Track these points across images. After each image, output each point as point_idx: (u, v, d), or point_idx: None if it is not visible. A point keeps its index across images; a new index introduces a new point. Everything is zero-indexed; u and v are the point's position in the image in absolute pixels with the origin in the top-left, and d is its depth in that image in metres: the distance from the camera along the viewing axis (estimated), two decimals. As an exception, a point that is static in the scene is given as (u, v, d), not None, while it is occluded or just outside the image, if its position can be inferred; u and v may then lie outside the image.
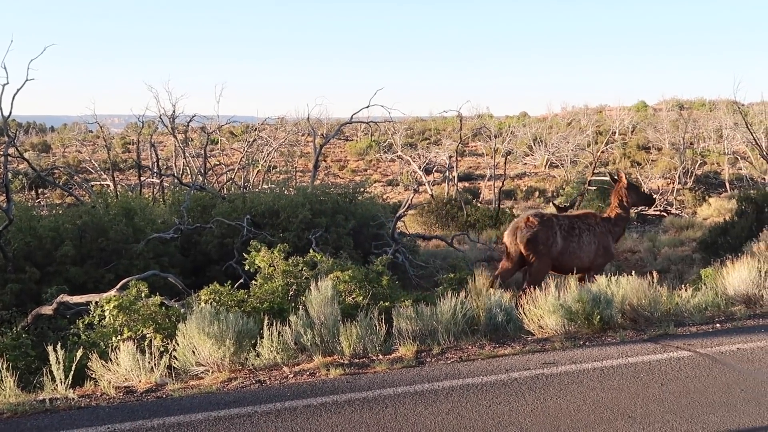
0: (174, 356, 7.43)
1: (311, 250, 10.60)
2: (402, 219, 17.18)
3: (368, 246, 14.59)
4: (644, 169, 37.82)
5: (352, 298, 9.10)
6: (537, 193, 40.40)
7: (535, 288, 8.87)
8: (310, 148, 34.93)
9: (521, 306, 8.58)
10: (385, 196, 34.63)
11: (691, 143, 51.20)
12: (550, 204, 25.61)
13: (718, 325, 8.44)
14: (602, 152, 40.60)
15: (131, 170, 39.79)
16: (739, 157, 44.78)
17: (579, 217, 11.94)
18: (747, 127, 29.61)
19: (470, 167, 50.30)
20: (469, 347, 7.77)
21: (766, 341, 7.58)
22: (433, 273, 14.16)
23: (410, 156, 38.67)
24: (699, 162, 44.82)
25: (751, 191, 20.70)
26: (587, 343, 7.80)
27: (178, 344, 7.50)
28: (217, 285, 8.97)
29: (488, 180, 38.52)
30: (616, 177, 12.37)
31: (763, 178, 28.98)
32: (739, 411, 5.63)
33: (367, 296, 9.06)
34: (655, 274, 9.45)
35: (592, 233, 11.55)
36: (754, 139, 28.38)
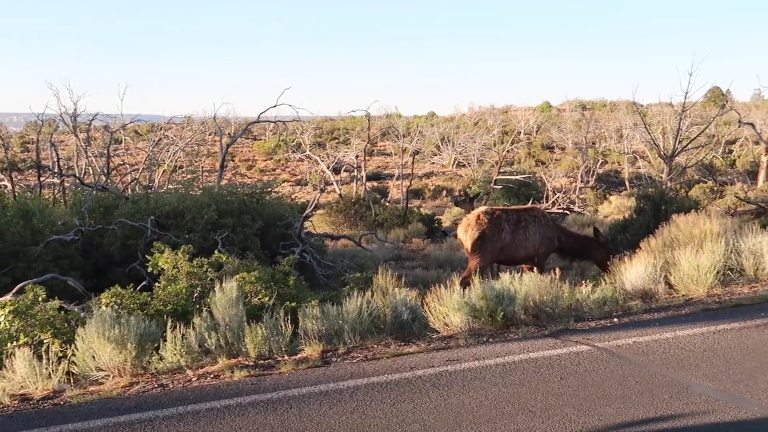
0: (73, 362, 7.22)
1: (217, 251, 10.46)
2: (310, 219, 17.13)
3: (275, 246, 14.48)
4: (548, 168, 38.69)
5: (258, 299, 9.01)
6: (444, 192, 40.90)
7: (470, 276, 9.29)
8: (217, 148, 34.48)
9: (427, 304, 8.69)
10: (293, 196, 34.42)
11: (593, 143, 52.81)
12: (461, 194, 25.96)
13: (615, 319, 8.71)
14: (508, 152, 41.39)
15: (30, 170, 38.50)
16: (638, 157, 46.36)
17: (526, 210, 13.05)
18: (645, 128, 30.75)
19: (379, 167, 50.59)
20: (375, 346, 7.81)
21: (660, 334, 7.87)
22: (340, 273, 14.14)
23: (319, 155, 38.57)
24: (600, 161, 46.28)
25: (650, 189, 21.40)
26: (490, 340, 7.94)
27: (77, 349, 7.29)
28: (119, 287, 8.75)
29: (396, 179, 38.81)
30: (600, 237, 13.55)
31: (661, 177, 30.02)
32: (634, 403, 5.82)
33: (273, 297, 8.99)
34: (557, 270, 9.69)
35: (538, 224, 12.61)
36: (652, 139, 29.46)
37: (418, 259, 18.81)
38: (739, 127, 42.32)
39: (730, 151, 50.01)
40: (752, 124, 29.22)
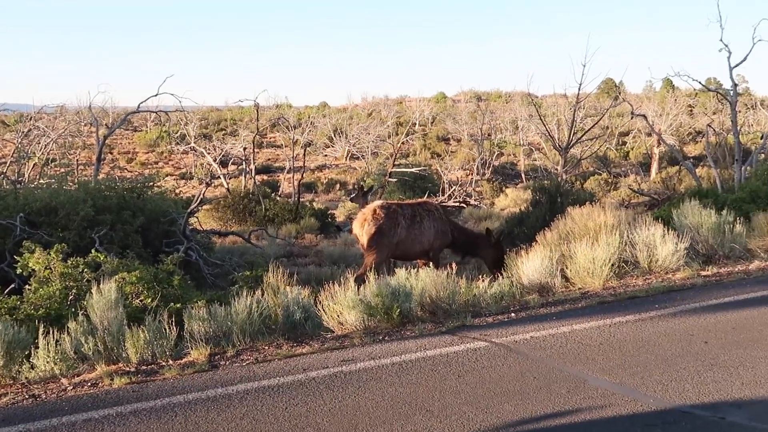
0: (-68, 373, 6.88)
1: (94, 250, 10.16)
2: (195, 214, 16.80)
3: (159, 244, 14.16)
4: (444, 161, 39.18)
5: (140, 301, 8.80)
6: (338, 186, 40.93)
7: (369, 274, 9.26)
8: (94, 140, 33.46)
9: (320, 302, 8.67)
10: (178, 191, 33.80)
11: (488, 134, 53.71)
12: (354, 188, 26.03)
13: (513, 314, 8.90)
14: (403, 143, 41.70)
15: None
16: (533, 149, 47.54)
17: (420, 204, 13.29)
18: (540, 119, 31.41)
19: (269, 159, 50.24)
20: (266, 347, 7.74)
21: (557, 328, 8.07)
22: (229, 271, 13.95)
23: (205, 148, 37.94)
24: (496, 153, 47.20)
25: (545, 182, 21.94)
26: (386, 338, 7.98)
27: (-63, 360, 6.95)
28: (-16, 291, 8.40)
29: (287, 172, 38.56)
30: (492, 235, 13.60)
31: (556, 169, 30.85)
32: (532, 398, 5.95)
33: (157, 298, 8.79)
34: (453, 265, 9.81)
35: (432, 218, 12.83)
36: (547, 131, 30.14)
37: (311, 256, 18.75)
38: (631, 118, 43.89)
39: (624, 143, 51.85)
40: (644, 116, 30.22)
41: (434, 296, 8.88)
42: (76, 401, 6.26)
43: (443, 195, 26.24)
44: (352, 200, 21.30)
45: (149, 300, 8.76)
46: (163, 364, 7.28)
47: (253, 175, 32.99)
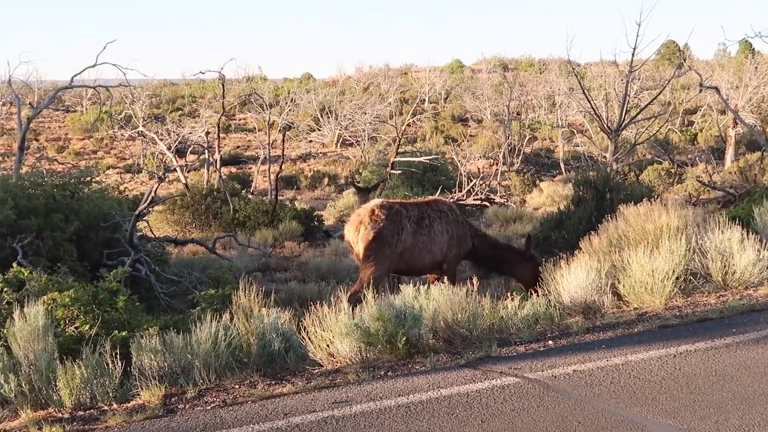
0: None
1: (15, 264, 10.18)
2: (145, 218, 16.83)
3: (98, 256, 14.19)
4: (461, 147, 39.19)
5: (75, 328, 8.82)
6: (326, 180, 40.96)
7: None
8: (14, 123, 33.51)
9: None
10: (122, 188, 33.86)
11: (517, 113, 53.73)
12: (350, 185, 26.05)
13: (550, 342, 8.89)
14: (409, 126, 41.70)
15: None
16: (575, 131, 47.46)
17: (428, 203, 13.25)
18: (584, 93, 31.26)
19: (238, 147, 50.38)
20: (236, 386, 7.75)
21: (607, 360, 8.06)
22: (188, 290, 13.98)
23: (157, 132, 37.95)
24: (528, 137, 47.16)
25: (590, 173, 21.91)
26: (390, 373, 7.98)
27: None
28: None
29: (262, 163, 38.59)
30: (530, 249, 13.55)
31: (605, 157, 30.79)
32: (576, 449, 5.95)
33: (97, 324, 8.80)
34: (474, 280, 9.79)
35: (445, 220, 12.78)
36: (593, 108, 29.93)
37: (292, 269, 18.77)
38: (700, 92, 43.84)
39: (691, 123, 51.90)
40: (717, 89, 30.16)
41: (450, 320, 8.87)
42: (-5, 457, 6.28)
43: (460, 191, 26.23)
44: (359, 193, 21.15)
45: (87, 327, 8.76)
46: (106, 408, 7.29)
47: (218, 167, 32.98)
